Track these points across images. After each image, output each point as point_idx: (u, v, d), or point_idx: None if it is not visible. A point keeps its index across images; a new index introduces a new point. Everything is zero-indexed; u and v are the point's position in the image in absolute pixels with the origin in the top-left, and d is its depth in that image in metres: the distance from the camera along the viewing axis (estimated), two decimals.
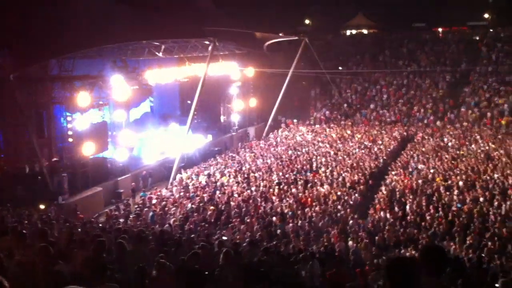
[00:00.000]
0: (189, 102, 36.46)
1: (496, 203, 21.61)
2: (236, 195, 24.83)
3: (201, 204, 23.54)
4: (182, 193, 25.83)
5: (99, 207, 25.75)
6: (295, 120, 46.77)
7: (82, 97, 25.27)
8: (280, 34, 43.60)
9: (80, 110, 25.75)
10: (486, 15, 63.03)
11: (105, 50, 29.58)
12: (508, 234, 18.34)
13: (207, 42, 33.23)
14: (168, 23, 31.18)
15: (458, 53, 51.18)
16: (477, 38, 53.95)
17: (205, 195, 25.16)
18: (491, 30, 55.66)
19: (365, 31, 65.78)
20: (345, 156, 31.90)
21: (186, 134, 31.68)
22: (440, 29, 60.21)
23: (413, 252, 16.57)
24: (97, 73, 28.62)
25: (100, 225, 19.74)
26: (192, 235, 17.25)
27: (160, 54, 32.89)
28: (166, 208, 23.23)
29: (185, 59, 34.57)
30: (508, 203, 21.59)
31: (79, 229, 16.50)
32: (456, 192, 23.60)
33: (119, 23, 27.38)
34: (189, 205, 23.55)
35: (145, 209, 23.32)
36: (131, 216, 22.00)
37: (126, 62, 31.38)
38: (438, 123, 42.98)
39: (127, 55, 31.74)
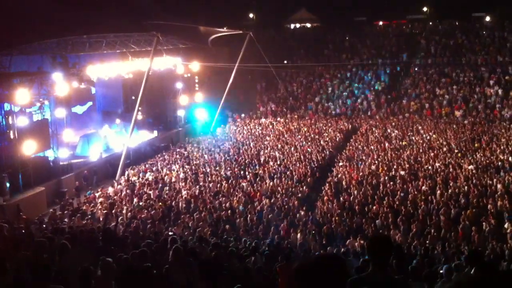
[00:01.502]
0: (133, 98, 35.79)
1: (438, 192, 22.27)
2: (184, 191, 24.58)
3: (149, 202, 23.19)
4: (128, 191, 25.38)
5: (42, 207, 24.89)
6: (242, 115, 46.74)
7: (21, 95, 24.40)
8: (225, 28, 43.37)
9: (20, 107, 24.84)
10: (425, 9, 64.76)
11: (44, 46, 28.63)
12: (448, 221, 18.96)
13: (150, 37, 32.68)
14: (108, 17, 30.46)
15: (399, 46, 52.46)
16: (416, 31, 55.50)
17: (151, 192, 24.79)
18: (429, 24, 57.31)
19: (308, 25, 66.32)
20: (292, 149, 32.11)
21: (131, 131, 31.08)
22: (380, 23, 61.47)
23: (361, 241, 16.87)
24: (37, 69, 27.71)
25: (44, 225, 19.14)
26: (139, 233, 16.97)
27: (102, 49, 32.09)
28: (112, 206, 22.75)
29: (128, 54, 33.90)
30: (450, 191, 22.32)
31: (23, 231, 15.94)
32: (399, 181, 24.18)
33: (57, 18, 26.57)
34: (136, 202, 23.17)
35: (90, 208, 22.79)
36: (75, 216, 21.43)
37: (66, 58, 30.42)
38: (381, 114, 43.96)
39: (67, 50, 30.75)
